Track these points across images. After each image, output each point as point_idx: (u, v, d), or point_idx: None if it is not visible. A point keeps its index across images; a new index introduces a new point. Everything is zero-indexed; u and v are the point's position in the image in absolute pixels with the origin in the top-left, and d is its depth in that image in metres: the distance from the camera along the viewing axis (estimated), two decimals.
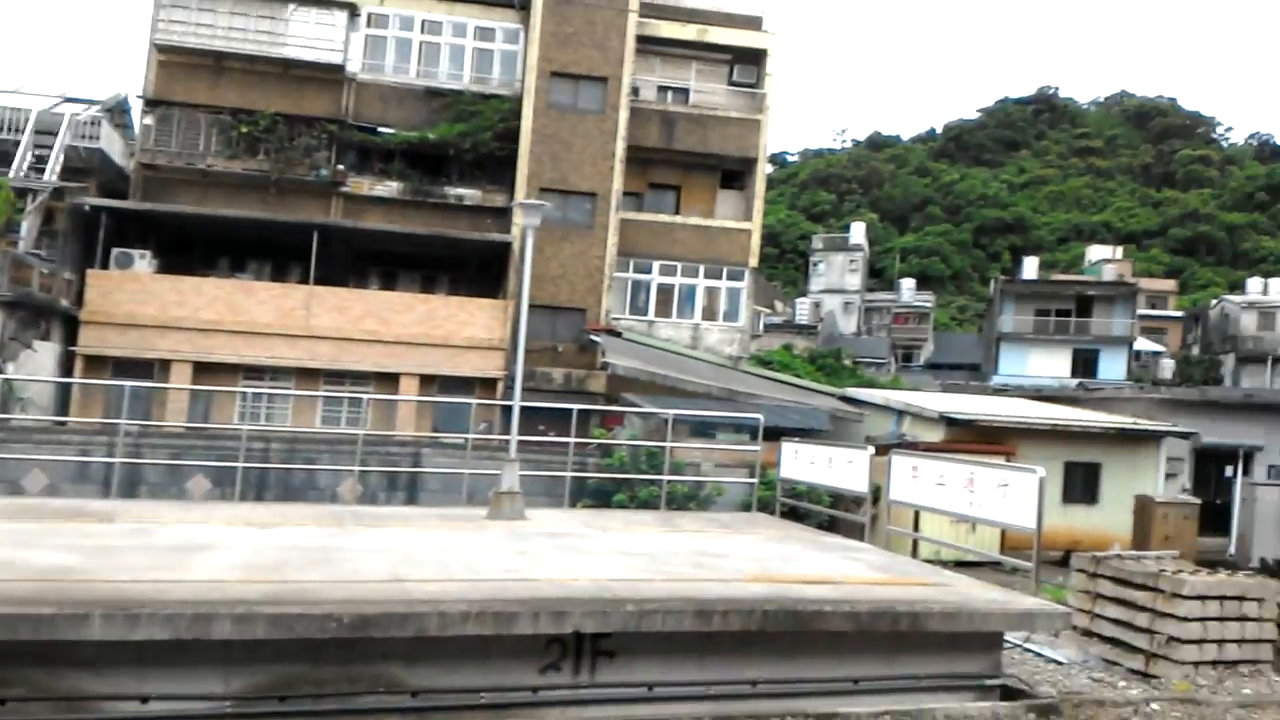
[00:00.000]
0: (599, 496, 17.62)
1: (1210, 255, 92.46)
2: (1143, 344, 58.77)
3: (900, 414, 22.65)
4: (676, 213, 28.08)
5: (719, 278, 27.28)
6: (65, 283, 23.30)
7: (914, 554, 15.26)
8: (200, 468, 17.20)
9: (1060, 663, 11.41)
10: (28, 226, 23.13)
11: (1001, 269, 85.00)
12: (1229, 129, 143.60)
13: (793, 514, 16.80)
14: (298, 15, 26.11)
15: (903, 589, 9.56)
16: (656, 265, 27.06)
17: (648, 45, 27.42)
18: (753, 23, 28.48)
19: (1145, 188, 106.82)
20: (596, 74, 25.91)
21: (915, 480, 12.73)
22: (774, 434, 18.27)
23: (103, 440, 17.63)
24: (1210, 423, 26.51)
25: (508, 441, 13.77)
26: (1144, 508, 20.11)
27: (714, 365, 24.72)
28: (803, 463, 15.56)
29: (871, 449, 14.37)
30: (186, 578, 7.73)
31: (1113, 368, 51.62)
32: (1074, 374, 50.28)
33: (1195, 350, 60.93)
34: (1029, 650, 11.64)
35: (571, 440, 15.52)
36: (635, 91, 27.05)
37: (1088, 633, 12.22)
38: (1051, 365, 51.11)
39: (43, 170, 24.37)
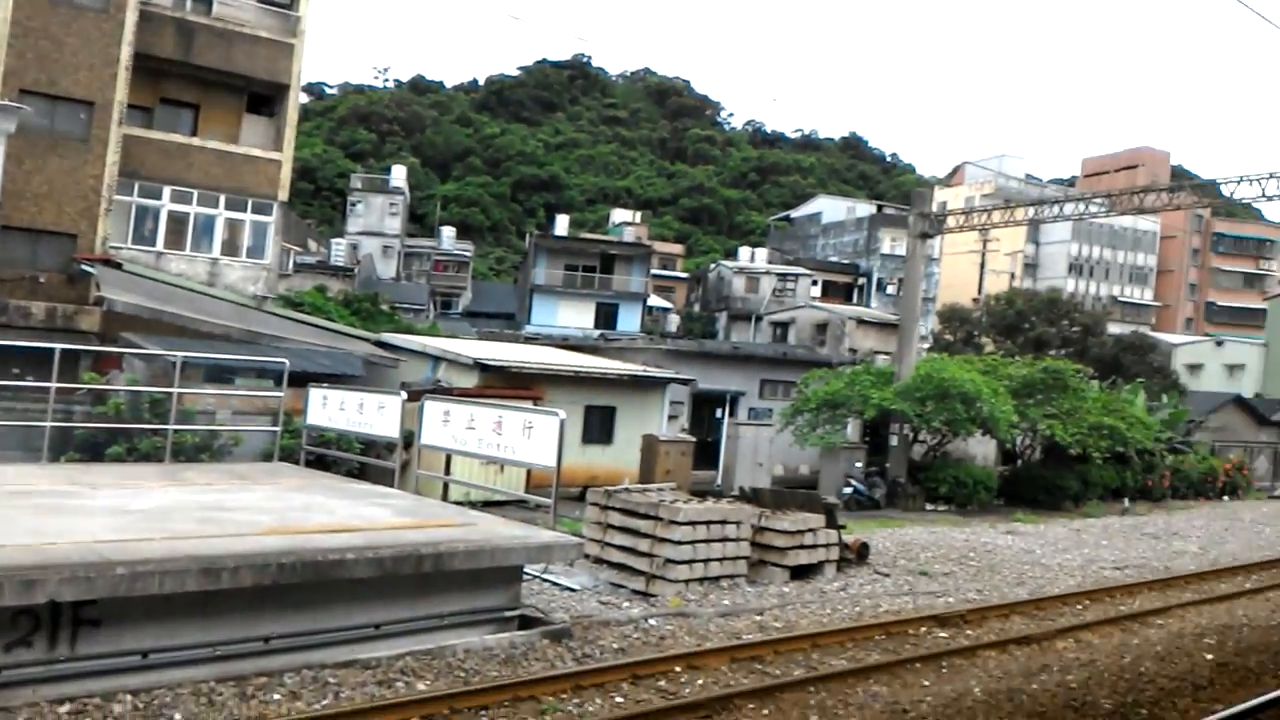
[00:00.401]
0: (89, 449, 15.49)
1: (712, 225, 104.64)
2: (655, 300, 65.05)
3: (436, 360, 22.72)
4: (194, 134, 25.34)
5: (243, 210, 25.18)
6: None
7: (444, 497, 15.41)
8: None
9: (574, 590, 12.22)
10: None
11: (536, 224, 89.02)
12: (730, 114, 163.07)
13: (320, 462, 16.12)
14: None
15: (429, 532, 9.56)
16: (168, 191, 24.27)
17: None
18: None
19: (662, 160, 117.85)
20: None
21: (447, 425, 12.81)
22: (302, 379, 17.36)
23: None
24: (706, 371, 30.01)
25: None
26: (650, 446, 22.22)
27: (235, 305, 22.83)
28: (332, 409, 14.97)
29: (404, 395, 14.21)
30: None
31: (629, 320, 56.59)
32: (597, 325, 54.26)
33: (697, 308, 68.72)
34: (547, 580, 12.31)
35: (53, 385, 13.36)
36: None
37: (599, 560, 13.22)
38: (578, 317, 54.74)
39: None
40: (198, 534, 8.34)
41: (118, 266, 21.75)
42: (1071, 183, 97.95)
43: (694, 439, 23.76)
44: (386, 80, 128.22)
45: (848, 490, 23.48)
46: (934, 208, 30.67)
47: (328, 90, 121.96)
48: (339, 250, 65.89)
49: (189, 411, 16.32)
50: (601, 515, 13.52)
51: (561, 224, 69.29)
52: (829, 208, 78.35)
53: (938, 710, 8.81)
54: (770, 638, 10.64)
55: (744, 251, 70.60)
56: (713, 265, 70.58)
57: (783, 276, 63.59)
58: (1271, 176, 23.34)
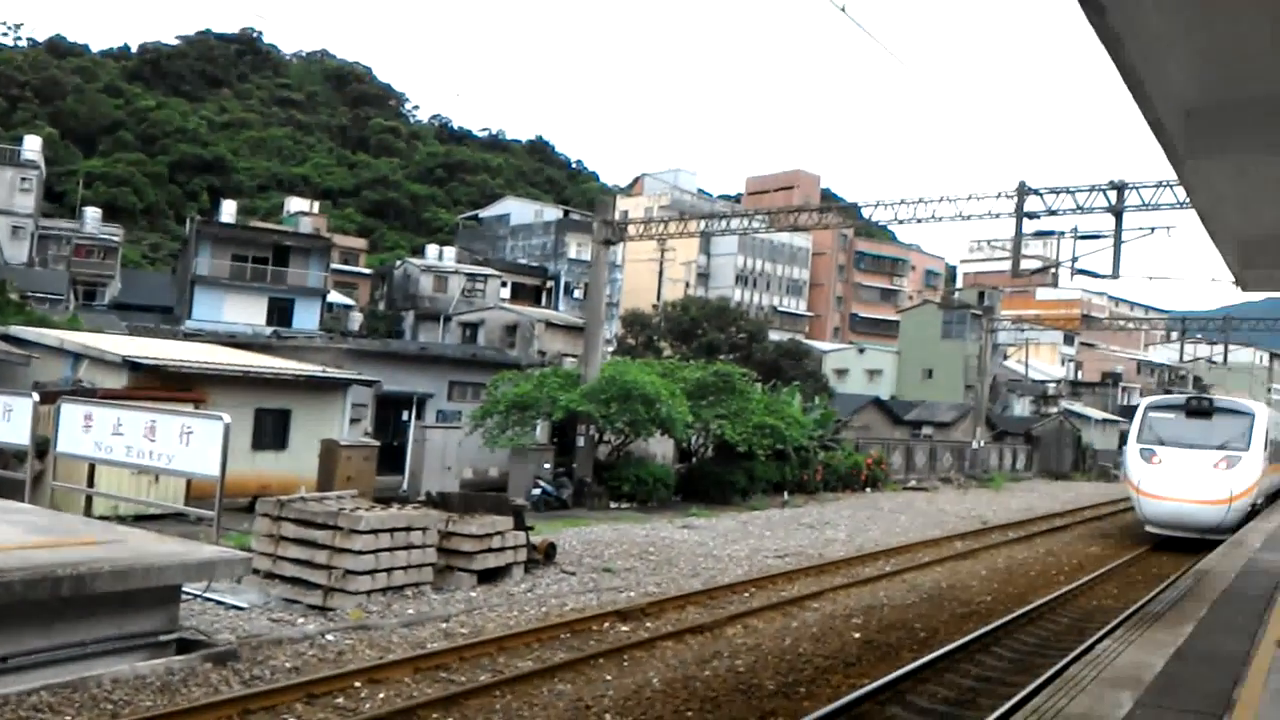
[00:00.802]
0: None
1: (397, 220, 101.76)
2: (335, 297, 62.15)
3: (77, 357, 20.21)
4: None
5: None
6: None
7: (88, 512, 13.69)
8: None
9: (242, 608, 11.29)
10: None
11: (200, 209, 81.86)
12: (416, 106, 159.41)
13: None
14: None
15: (67, 551, 8.45)
16: None
17: None
18: None
19: (342, 148, 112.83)
20: None
21: (90, 431, 11.42)
22: None
23: None
24: (391, 372, 29.03)
25: None
26: (329, 451, 21.08)
27: None
28: None
29: (37, 396, 12.47)
30: None
31: (307, 317, 53.57)
32: (269, 322, 50.90)
33: (381, 306, 66.52)
34: (210, 599, 11.30)
35: None
36: None
37: (270, 575, 12.30)
38: (248, 312, 50.99)
39: None
40: None
41: None
42: (738, 199, 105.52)
43: (378, 443, 22.87)
44: (19, 39, 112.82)
45: (537, 491, 23.66)
46: (616, 216, 31.74)
47: None
48: None
49: None
50: (273, 527, 12.59)
51: (229, 210, 64.19)
52: (518, 209, 78.96)
53: (619, 703, 9.03)
54: (456, 645, 10.44)
55: (431, 249, 69.34)
56: (399, 262, 68.69)
57: (472, 277, 63.17)
58: (903, 202, 26.34)
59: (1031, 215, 24.88)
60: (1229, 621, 10.25)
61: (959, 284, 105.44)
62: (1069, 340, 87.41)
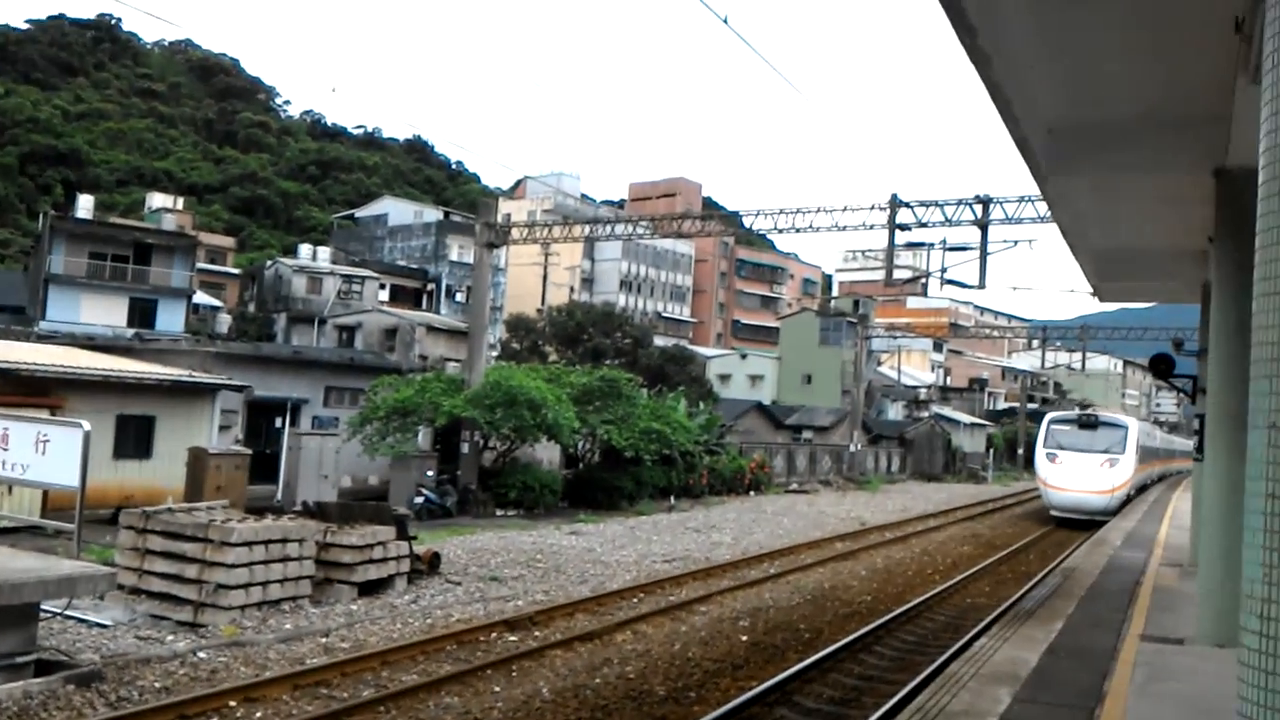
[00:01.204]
0: None
1: (267, 218, 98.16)
2: (202, 298, 59.53)
3: None
4: None
5: None
6: None
7: None
8: None
9: (106, 626, 10.69)
10: None
11: (54, 204, 77.16)
12: (287, 101, 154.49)
13: None
14: None
15: None
16: None
17: None
18: None
19: (208, 142, 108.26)
20: None
21: None
22: None
23: None
24: (263, 377, 27.98)
25: None
26: (198, 459, 20.18)
27: None
28: None
29: None
30: None
31: (171, 319, 51.09)
32: (131, 323, 48.36)
33: (251, 307, 64.05)
34: (71, 617, 10.64)
35: None
36: None
37: (136, 590, 11.67)
38: (107, 313, 48.31)
39: None
40: None
41: None
42: (621, 205, 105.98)
43: (250, 451, 22.00)
44: None
45: (419, 499, 23.11)
46: (499, 218, 31.43)
47: None
48: None
49: None
50: (139, 540, 11.93)
51: (85, 205, 60.60)
52: (396, 210, 77.29)
53: (508, 715, 8.88)
54: (337, 660, 10.09)
55: (305, 249, 67.11)
56: (270, 262, 66.26)
57: (348, 278, 61.45)
58: (782, 212, 26.89)
59: (903, 227, 25.74)
60: (1096, 617, 10.77)
61: (835, 292, 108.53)
62: (938, 347, 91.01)
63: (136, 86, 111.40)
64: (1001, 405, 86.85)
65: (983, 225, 24.81)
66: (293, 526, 12.57)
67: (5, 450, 10.15)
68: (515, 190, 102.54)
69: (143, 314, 50.59)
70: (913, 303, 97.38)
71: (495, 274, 56.64)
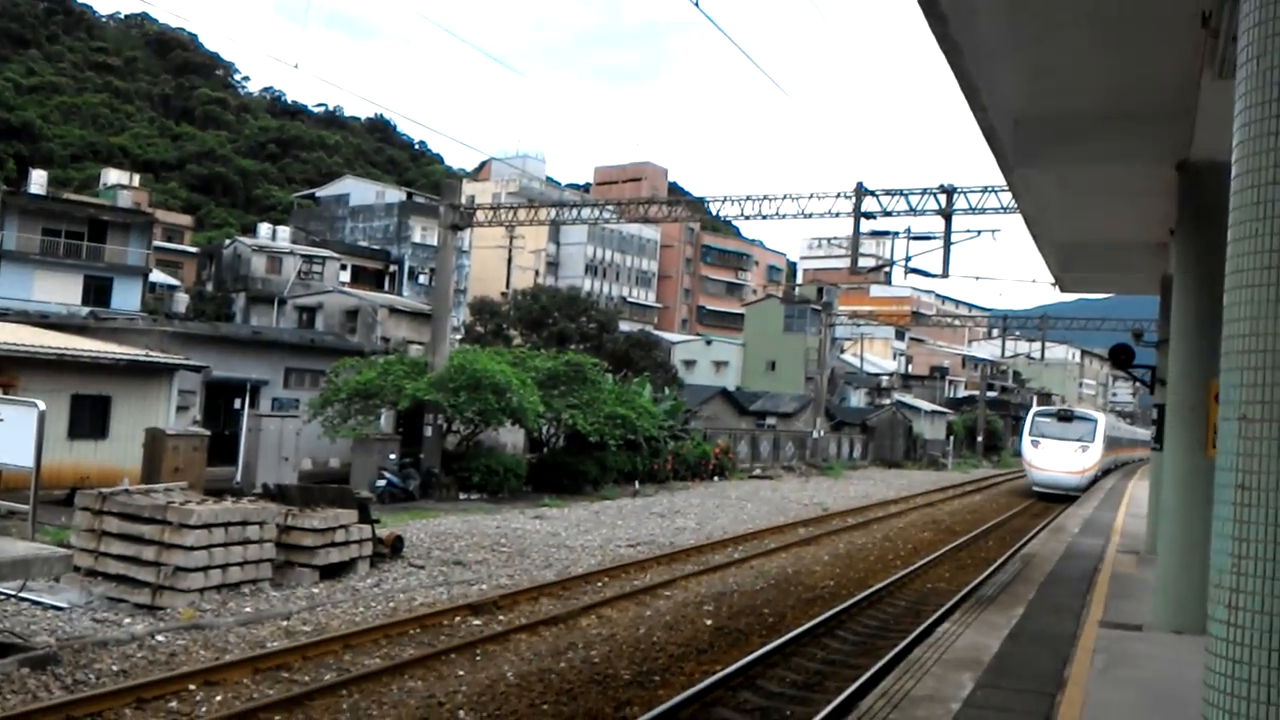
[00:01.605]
0: None
1: (226, 196, 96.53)
2: (158, 276, 58.49)
3: None
4: None
5: None
6: None
7: None
8: None
9: (62, 608, 10.52)
10: None
11: (5, 179, 75.36)
12: (246, 77, 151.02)
13: None
14: None
15: None
16: None
17: None
18: None
19: (165, 118, 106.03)
20: None
21: None
22: None
23: None
24: (221, 357, 27.56)
25: None
26: (155, 440, 19.86)
27: None
28: None
29: None
30: None
31: (127, 297, 50.14)
32: (86, 301, 47.40)
33: (209, 286, 63.06)
34: (26, 600, 10.45)
35: None
36: None
37: (93, 572, 11.49)
38: (61, 290, 47.32)
39: None
40: None
41: None
42: (586, 188, 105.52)
43: (208, 432, 21.69)
44: None
45: (381, 483, 22.92)
46: (463, 200, 31.15)
47: None
48: None
49: None
50: (95, 521, 11.74)
51: (39, 180, 59.34)
52: (357, 190, 76.33)
53: (472, 699, 8.84)
54: (299, 643, 9.99)
55: (264, 228, 66.12)
56: (228, 241, 65.18)
57: (309, 258, 60.63)
58: (749, 199, 26.93)
59: (868, 215, 25.85)
60: (1056, 603, 10.93)
61: (799, 280, 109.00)
62: (900, 335, 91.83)
63: (91, 60, 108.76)
64: (962, 393, 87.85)
65: (946, 215, 25.01)
66: (253, 509, 12.42)
67: None
68: (480, 172, 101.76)
69: (98, 292, 49.63)
70: (876, 291, 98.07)
71: (459, 256, 56.18)
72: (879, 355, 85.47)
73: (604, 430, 26.60)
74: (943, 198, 24.83)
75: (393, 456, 24.25)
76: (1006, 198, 23.22)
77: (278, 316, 53.67)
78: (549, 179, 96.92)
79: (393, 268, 66.44)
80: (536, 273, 76.59)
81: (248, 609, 11.28)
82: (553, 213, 32.59)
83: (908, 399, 69.46)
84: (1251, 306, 3.37)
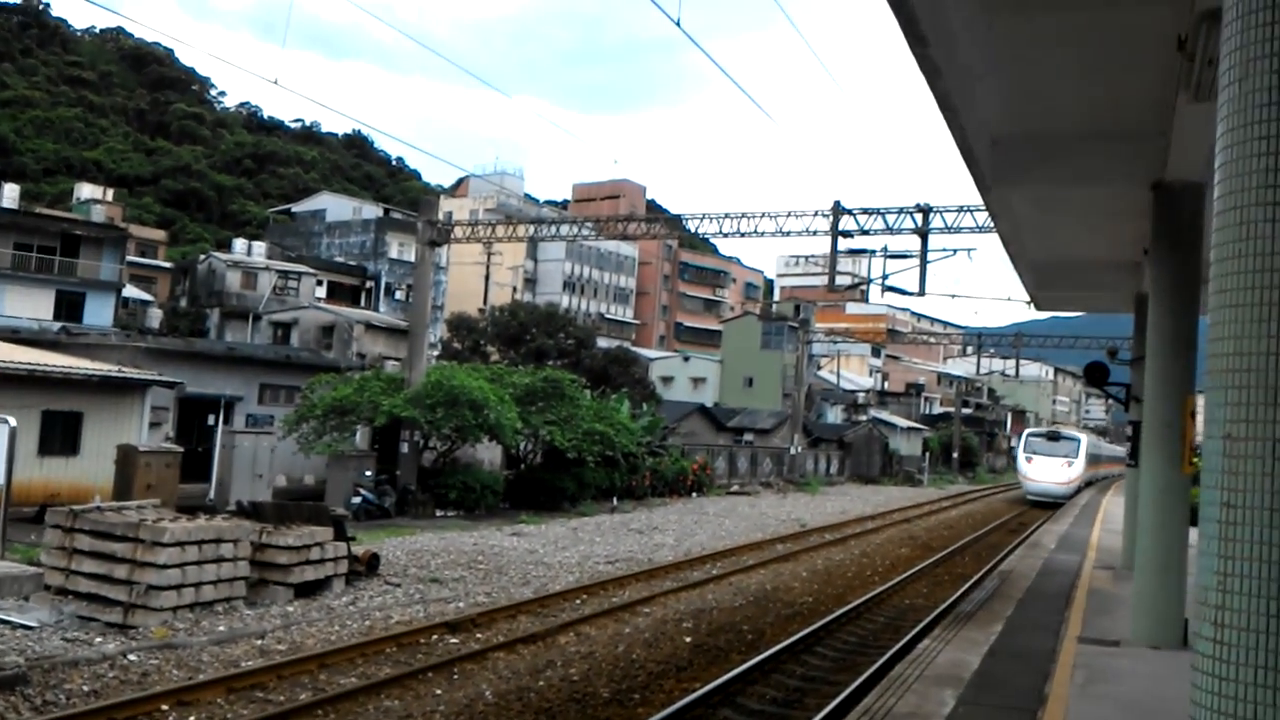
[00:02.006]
0: None
1: (200, 211, 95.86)
2: (132, 291, 57.94)
3: None
4: None
5: None
6: None
7: None
8: None
9: (31, 627, 10.34)
10: None
11: None
12: (223, 93, 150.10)
13: None
14: None
15: None
16: None
17: None
18: None
19: (140, 133, 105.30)
20: None
21: None
22: None
23: None
24: (195, 373, 27.28)
25: None
26: (127, 457, 19.61)
27: None
28: None
29: None
30: None
31: (100, 313, 49.64)
32: (58, 316, 46.87)
33: (183, 302, 62.51)
34: None
35: None
36: None
37: (63, 591, 11.30)
38: (32, 305, 46.76)
39: None
40: None
41: None
42: (564, 205, 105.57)
43: (181, 449, 21.44)
44: None
45: (357, 500, 22.71)
46: (441, 217, 31.10)
47: None
48: None
49: None
50: (66, 539, 11.55)
51: (10, 194, 58.66)
52: (334, 205, 76.02)
53: (450, 718, 8.75)
54: (273, 662, 9.87)
55: (239, 243, 65.69)
56: (203, 256, 64.68)
57: (284, 274, 60.24)
58: (727, 216, 27.03)
59: (846, 233, 26.01)
60: (1034, 620, 10.97)
61: (777, 297, 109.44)
62: (876, 352, 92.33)
63: (65, 74, 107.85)
64: (937, 410, 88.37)
65: (923, 233, 25.19)
66: (227, 526, 12.27)
67: None
68: (458, 188, 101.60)
69: (70, 307, 49.12)
70: (852, 308, 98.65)
71: (437, 272, 56.09)
72: (855, 372, 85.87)
73: (582, 446, 26.51)
74: (919, 217, 25.02)
75: (369, 473, 24.05)
76: (982, 217, 23.44)
77: (252, 332, 53.26)
78: (527, 195, 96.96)
79: (369, 284, 66.12)
80: (514, 289, 76.45)
81: (221, 628, 11.13)
82: (531, 229, 32.59)
83: (884, 415, 69.81)
84: (1235, 326, 3.40)
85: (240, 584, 12.17)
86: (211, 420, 26.65)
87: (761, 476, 44.93)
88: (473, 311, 54.76)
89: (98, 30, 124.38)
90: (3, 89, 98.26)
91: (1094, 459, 49.50)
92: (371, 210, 74.61)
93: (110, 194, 73.23)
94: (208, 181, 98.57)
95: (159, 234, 76.86)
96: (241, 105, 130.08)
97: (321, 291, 61.36)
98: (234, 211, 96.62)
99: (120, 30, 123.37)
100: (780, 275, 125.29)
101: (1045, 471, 40.96)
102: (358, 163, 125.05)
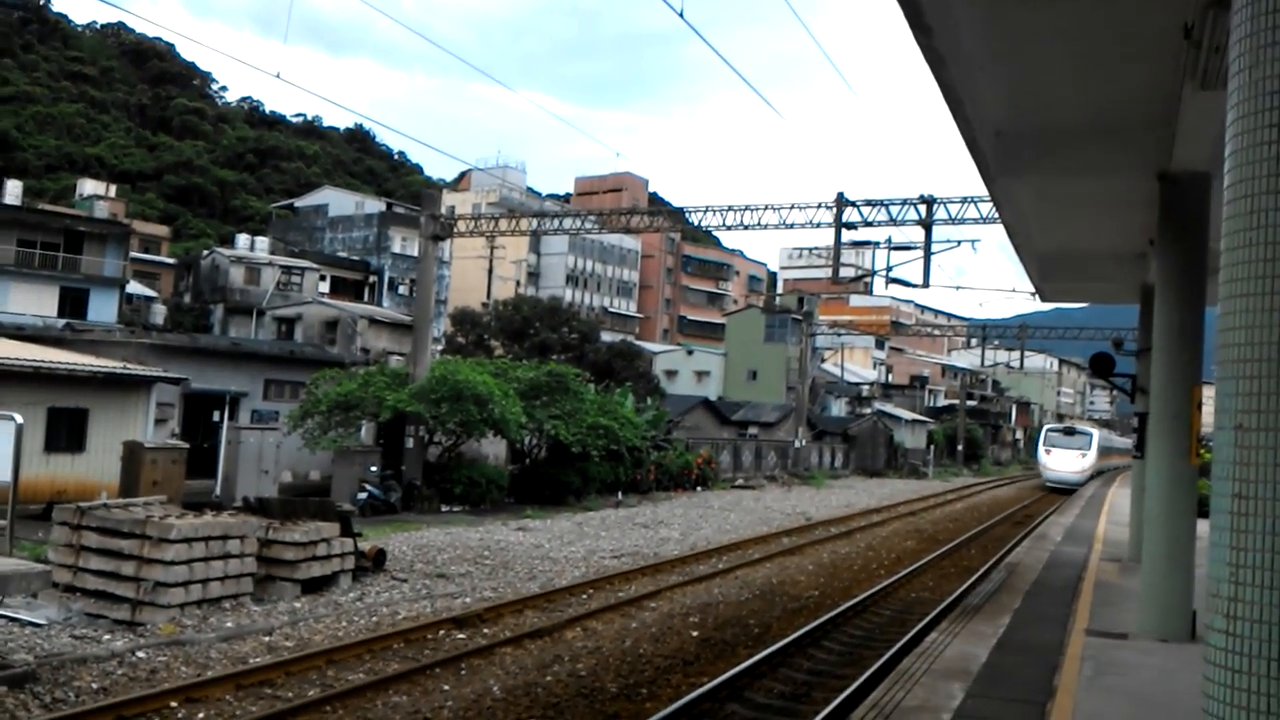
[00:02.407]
0: None
1: (203, 207, 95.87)
2: (135, 287, 58.00)
3: None
4: None
5: None
6: None
7: None
8: None
9: (40, 625, 10.36)
10: None
11: None
12: (224, 88, 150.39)
13: None
14: None
15: None
16: None
17: None
18: None
19: (141, 128, 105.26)
20: None
21: None
22: None
23: None
24: (200, 369, 27.31)
25: None
26: (133, 454, 19.64)
27: None
28: None
29: None
30: None
31: (103, 309, 49.68)
32: (62, 313, 46.91)
33: (187, 298, 62.57)
34: (3, 616, 10.30)
35: None
36: None
37: (71, 588, 11.34)
38: (37, 302, 46.81)
39: None
40: None
41: None
42: (566, 198, 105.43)
43: (187, 445, 21.46)
44: None
45: (363, 495, 22.74)
46: (443, 211, 31.06)
47: None
48: None
49: None
50: (73, 536, 11.57)
51: (13, 191, 58.65)
52: (336, 200, 76.00)
53: (459, 714, 8.75)
54: (281, 659, 9.87)
55: (242, 239, 65.69)
56: (206, 252, 64.71)
57: (288, 269, 60.26)
58: (730, 209, 27.00)
59: (849, 225, 25.95)
60: (1041, 612, 10.95)
61: (780, 290, 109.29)
62: (880, 345, 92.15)
63: (67, 70, 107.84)
64: (942, 402, 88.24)
65: (927, 225, 25.13)
66: (233, 523, 12.29)
67: None
68: (460, 182, 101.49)
69: (74, 304, 49.20)
70: (855, 301, 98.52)
71: (440, 267, 56.00)
72: (859, 365, 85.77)
73: (586, 441, 26.51)
74: (923, 208, 24.96)
75: (374, 468, 24.08)
76: (987, 208, 23.38)
77: (256, 328, 53.28)
78: (529, 189, 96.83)
79: (372, 278, 66.14)
80: (517, 283, 76.40)
81: (229, 624, 11.14)
82: (533, 223, 32.53)
83: (888, 408, 69.70)
84: (1246, 315, 3.38)
85: (247, 580, 12.19)
86: (217, 416, 26.66)
87: (766, 470, 44.90)
88: (476, 306, 54.75)
89: (99, 25, 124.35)
90: (4, 85, 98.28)
91: (1104, 451, 54.05)
92: (374, 205, 74.61)
93: (113, 190, 73.23)
94: (210, 177, 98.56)
95: (162, 230, 76.91)
96: (243, 100, 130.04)
97: (325, 287, 61.39)
98: (236, 207, 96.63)
99: (121, 25, 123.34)
100: (784, 268, 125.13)
101: (1062, 462, 46.62)
102: (360, 157, 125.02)
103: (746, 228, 26.84)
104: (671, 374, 67.71)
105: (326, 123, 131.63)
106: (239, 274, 59.41)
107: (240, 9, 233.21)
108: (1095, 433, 51.18)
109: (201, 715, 8.25)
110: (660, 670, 10.67)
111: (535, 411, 26.26)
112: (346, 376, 26.34)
